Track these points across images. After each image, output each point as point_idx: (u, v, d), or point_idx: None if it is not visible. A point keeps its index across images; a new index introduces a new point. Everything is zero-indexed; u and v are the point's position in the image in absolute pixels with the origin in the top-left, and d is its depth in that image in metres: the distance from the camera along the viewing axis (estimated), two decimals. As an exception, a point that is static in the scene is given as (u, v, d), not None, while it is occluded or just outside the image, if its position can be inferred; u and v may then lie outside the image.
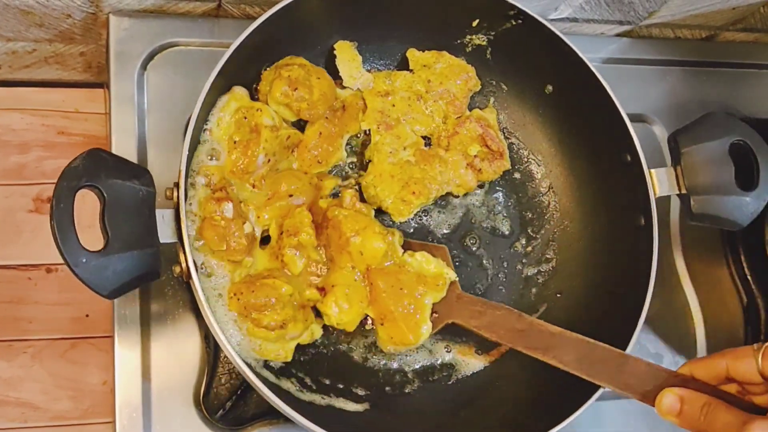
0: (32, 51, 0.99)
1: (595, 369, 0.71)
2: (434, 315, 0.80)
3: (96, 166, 0.64)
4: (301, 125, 0.85)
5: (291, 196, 0.80)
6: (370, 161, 0.87)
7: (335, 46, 0.88)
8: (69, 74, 1.07)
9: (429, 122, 0.90)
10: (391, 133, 0.87)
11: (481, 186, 0.92)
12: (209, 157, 0.77)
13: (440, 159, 0.88)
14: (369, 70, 0.91)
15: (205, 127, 0.77)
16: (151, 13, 0.90)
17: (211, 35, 0.91)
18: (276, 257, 0.78)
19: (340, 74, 0.88)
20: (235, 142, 0.78)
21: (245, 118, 0.78)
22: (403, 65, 0.92)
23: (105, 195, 0.63)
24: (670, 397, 0.62)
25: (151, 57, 0.88)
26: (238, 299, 0.73)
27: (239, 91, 0.80)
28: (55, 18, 0.90)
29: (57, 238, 0.60)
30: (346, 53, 0.89)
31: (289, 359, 0.76)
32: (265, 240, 0.80)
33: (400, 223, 0.87)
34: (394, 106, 0.89)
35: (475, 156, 0.89)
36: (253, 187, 0.79)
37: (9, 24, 0.90)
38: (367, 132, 0.89)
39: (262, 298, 0.73)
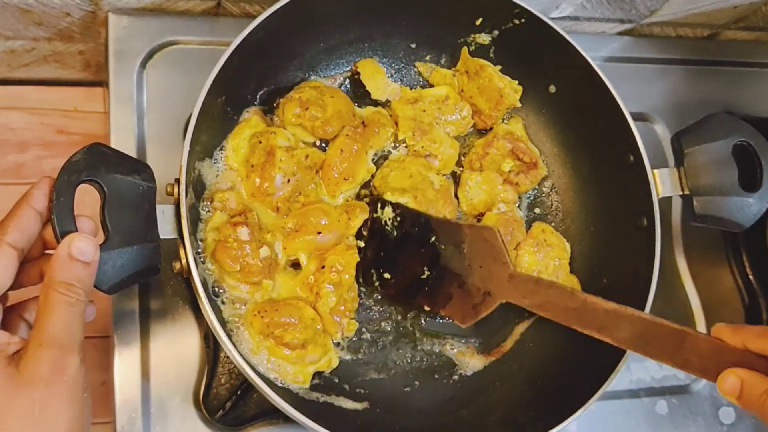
0: (31, 49, 0.98)
1: (652, 346, 0.67)
2: (487, 295, 0.78)
3: (97, 161, 0.63)
4: (323, 147, 0.85)
5: (320, 233, 0.80)
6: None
7: (357, 65, 0.89)
8: (68, 73, 1.06)
9: (460, 124, 0.91)
10: (426, 139, 0.87)
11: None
12: (226, 185, 0.79)
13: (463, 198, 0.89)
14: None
15: (219, 156, 0.79)
16: (150, 11, 0.90)
17: (210, 34, 0.90)
18: (308, 288, 0.79)
19: (368, 88, 0.89)
20: (252, 166, 0.79)
21: (260, 142, 0.79)
22: (405, 62, 0.92)
23: (105, 189, 0.63)
24: (731, 379, 0.61)
25: (150, 55, 0.88)
26: (262, 317, 0.75)
27: (255, 118, 0.81)
28: (54, 16, 0.89)
29: (57, 233, 0.60)
30: (369, 68, 0.89)
31: (307, 385, 0.76)
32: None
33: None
34: (424, 111, 0.89)
35: (509, 171, 0.89)
36: (277, 210, 0.80)
37: (8, 22, 0.90)
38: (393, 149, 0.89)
39: (287, 316, 0.75)
